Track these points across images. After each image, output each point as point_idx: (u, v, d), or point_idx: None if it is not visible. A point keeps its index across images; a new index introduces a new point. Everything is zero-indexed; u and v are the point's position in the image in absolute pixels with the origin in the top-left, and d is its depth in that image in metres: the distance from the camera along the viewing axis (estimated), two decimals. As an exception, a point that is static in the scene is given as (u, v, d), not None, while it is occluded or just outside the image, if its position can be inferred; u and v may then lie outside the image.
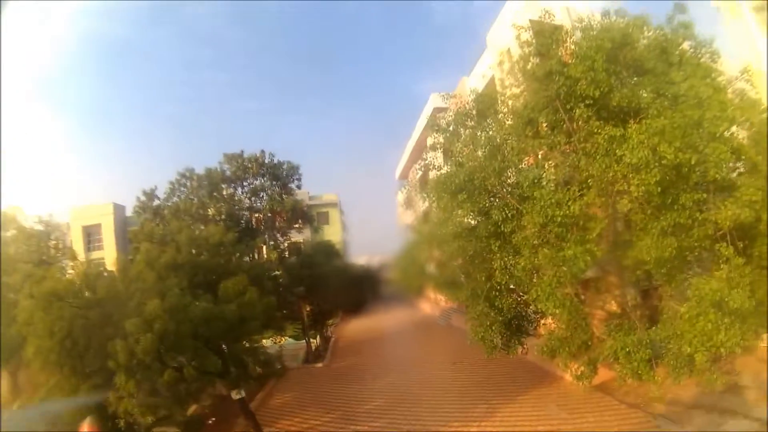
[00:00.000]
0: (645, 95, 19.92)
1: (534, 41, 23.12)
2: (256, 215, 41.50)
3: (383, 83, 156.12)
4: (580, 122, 20.09)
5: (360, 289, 58.76)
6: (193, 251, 27.38)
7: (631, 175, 17.72)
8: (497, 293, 22.37)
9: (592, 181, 19.47)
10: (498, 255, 21.44)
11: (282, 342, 43.20)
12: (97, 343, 19.77)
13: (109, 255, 47.89)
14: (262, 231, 41.67)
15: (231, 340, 23.31)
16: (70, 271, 26.36)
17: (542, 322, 24.56)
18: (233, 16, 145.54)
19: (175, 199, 39.46)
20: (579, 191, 19.53)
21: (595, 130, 19.13)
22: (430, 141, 26.15)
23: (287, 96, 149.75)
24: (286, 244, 45.78)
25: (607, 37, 20.51)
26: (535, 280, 20.12)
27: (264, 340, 38.27)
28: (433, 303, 62.80)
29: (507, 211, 20.71)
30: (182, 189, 39.42)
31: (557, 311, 18.95)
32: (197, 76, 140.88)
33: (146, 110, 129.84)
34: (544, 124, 21.58)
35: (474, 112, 24.75)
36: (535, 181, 20.61)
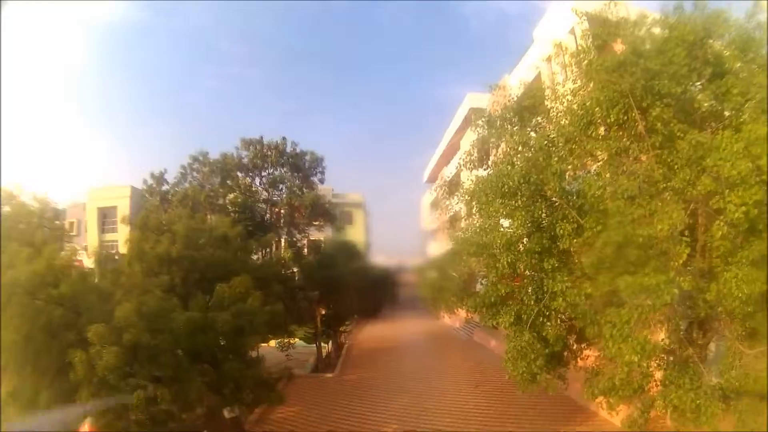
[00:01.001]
0: (733, 97, 15.91)
1: (598, 31, 19.08)
2: (274, 208, 36.96)
3: (414, 87, 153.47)
4: (658, 124, 15.96)
5: (378, 293, 55.26)
6: (193, 244, 23.03)
7: (727, 192, 14.00)
8: (546, 320, 18.22)
9: (670, 195, 15.35)
10: (554, 276, 17.39)
11: (293, 342, 39.36)
12: (58, 348, 15.70)
13: (121, 238, 44.58)
14: (278, 226, 37.19)
15: (224, 353, 18.96)
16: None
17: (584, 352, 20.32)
18: (268, 13, 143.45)
19: (186, 184, 35.04)
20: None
21: (678, 134, 15.50)
22: (469, 139, 21.90)
23: (316, 97, 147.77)
24: (304, 242, 41.41)
25: (686, 29, 16.56)
26: (605, 314, 15.73)
27: (272, 342, 34.44)
28: (453, 313, 58.33)
29: (568, 225, 16.78)
30: (194, 174, 34.95)
31: (635, 358, 14.36)
32: (227, 70, 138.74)
33: (172, 98, 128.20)
34: (612, 124, 17.25)
35: (524, 105, 21.19)
36: (604, 190, 16.39)
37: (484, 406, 27.35)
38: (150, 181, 35.31)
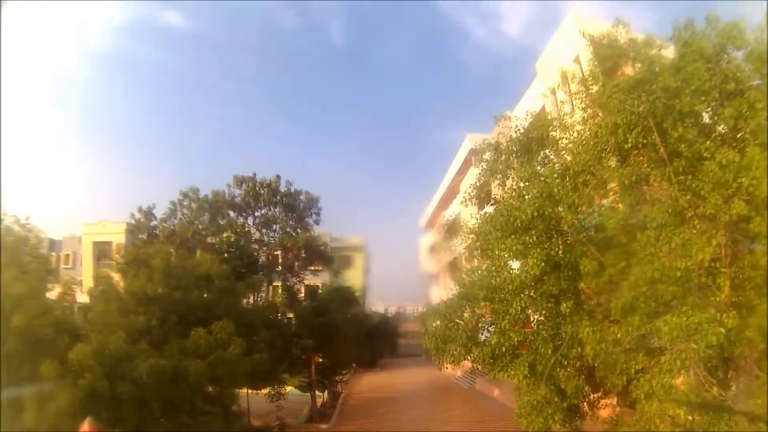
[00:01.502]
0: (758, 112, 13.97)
1: (607, 53, 17.94)
2: (266, 249, 34.68)
3: (413, 133, 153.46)
4: (681, 146, 14.30)
5: (376, 342, 52.82)
6: (173, 282, 20.77)
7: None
8: (563, 370, 16.18)
9: (700, 223, 13.42)
10: (572, 321, 15.41)
11: (287, 391, 36.58)
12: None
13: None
14: (272, 269, 34.86)
15: (202, 404, 16.69)
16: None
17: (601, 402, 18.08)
18: (271, 57, 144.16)
19: (174, 221, 32.86)
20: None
21: (705, 155, 13.74)
22: (469, 180, 19.99)
23: (316, 141, 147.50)
24: (300, 287, 39.05)
25: (702, 44, 15.07)
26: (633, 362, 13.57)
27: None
28: (458, 365, 55.77)
29: (590, 262, 14.79)
30: (184, 211, 32.81)
31: (680, 412, 12.05)
32: (230, 112, 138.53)
33: (174, 138, 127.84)
34: (630, 150, 15.46)
35: (531, 136, 19.39)
36: (624, 222, 14.83)
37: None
38: (138, 216, 33.04)
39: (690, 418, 12.25)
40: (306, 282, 40.18)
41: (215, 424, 17.45)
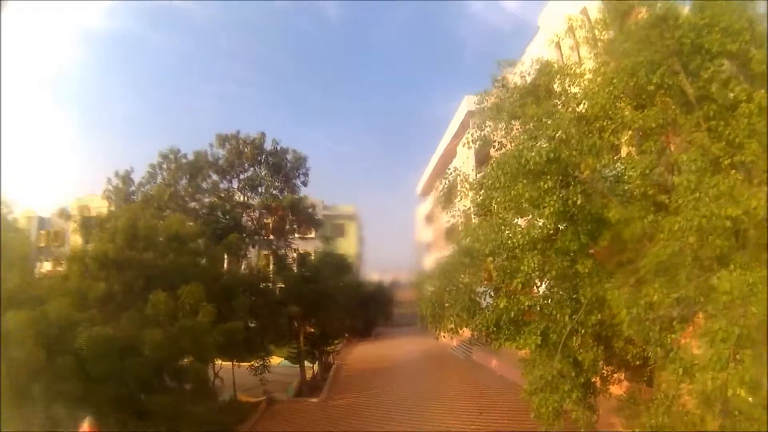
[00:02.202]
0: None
1: None
2: (249, 212, 31.96)
3: (410, 105, 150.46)
4: (712, 88, 12.31)
5: (370, 311, 50.58)
6: (139, 244, 18.22)
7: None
8: (579, 340, 13.77)
9: (738, 172, 11.54)
10: (593, 282, 13.20)
11: (277, 363, 35.19)
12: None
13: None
14: (255, 233, 32.24)
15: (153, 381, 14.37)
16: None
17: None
18: (265, 33, 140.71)
19: (154, 185, 30.07)
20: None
21: (741, 97, 11.79)
22: (472, 129, 17.46)
23: (310, 114, 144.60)
24: (290, 254, 36.46)
25: None
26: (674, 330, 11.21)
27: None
28: (456, 334, 53.73)
29: (616, 212, 12.48)
30: (164, 174, 29.97)
31: (741, 392, 9.65)
32: (223, 88, 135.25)
33: (167, 114, 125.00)
34: (654, 92, 13.28)
35: (539, 83, 16.78)
36: (651, 170, 12.56)
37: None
38: (115, 181, 30.23)
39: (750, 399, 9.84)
40: (296, 249, 37.39)
41: (180, 403, 15.15)
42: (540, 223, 13.19)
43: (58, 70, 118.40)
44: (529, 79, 17.30)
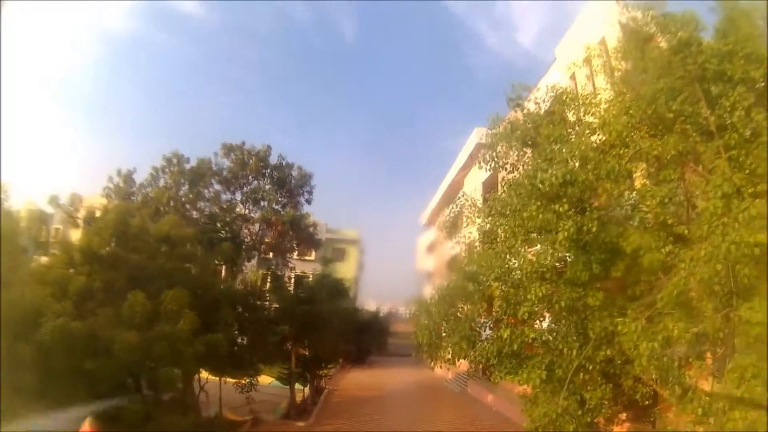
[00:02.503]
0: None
1: (641, 25, 14.78)
2: (249, 225, 30.93)
3: (419, 136, 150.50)
4: (734, 116, 11.65)
5: (365, 338, 49.54)
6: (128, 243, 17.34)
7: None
8: (586, 376, 12.85)
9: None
10: (602, 316, 12.36)
11: (268, 383, 34.57)
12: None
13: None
14: (253, 247, 31.23)
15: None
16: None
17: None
18: (275, 46, 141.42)
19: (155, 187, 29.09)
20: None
21: (763, 125, 11.36)
22: (473, 179, 16.61)
23: (318, 136, 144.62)
24: (287, 272, 35.44)
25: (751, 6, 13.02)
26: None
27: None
28: (454, 365, 52.47)
29: (634, 240, 11.68)
30: (166, 178, 29.00)
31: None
32: (232, 99, 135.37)
33: (178, 124, 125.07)
34: (674, 119, 12.63)
35: (553, 111, 15.88)
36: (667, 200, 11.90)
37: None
38: (116, 180, 29.27)
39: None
40: (294, 269, 36.37)
41: (153, 412, 14.15)
42: (550, 251, 12.21)
43: (62, 70, 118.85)
44: (543, 107, 16.45)
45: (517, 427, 27.91)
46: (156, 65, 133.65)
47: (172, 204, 27.03)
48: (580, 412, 12.41)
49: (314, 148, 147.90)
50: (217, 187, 30.80)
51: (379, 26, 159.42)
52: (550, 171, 12.12)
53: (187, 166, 29.13)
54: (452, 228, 20.16)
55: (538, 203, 12.21)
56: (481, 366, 38.25)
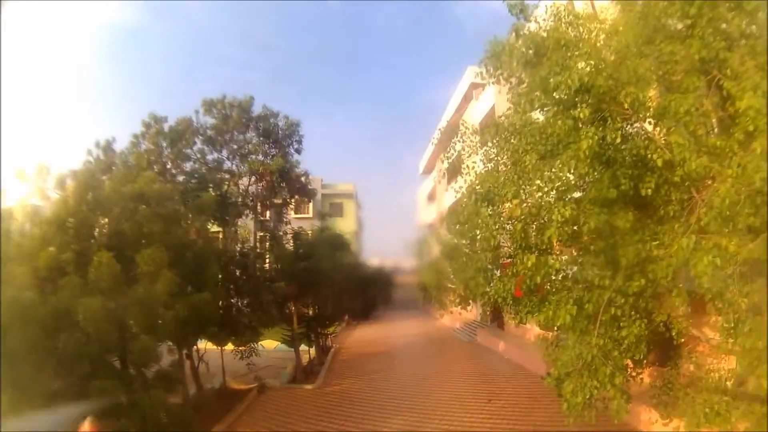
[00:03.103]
0: None
1: None
2: (236, 180, 28.75)
3: (408, 88, 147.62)
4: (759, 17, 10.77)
5: (369, 293, 48.15)
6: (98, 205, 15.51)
7: None
8: (621, 312, 10.99)
9: None
10: (633, 240, 10.74)
11: (274, 347, 33.74)
12: None
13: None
14: (244, 204, 29.30)
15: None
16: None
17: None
18: (264, 17, 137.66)
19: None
20: None
21: None
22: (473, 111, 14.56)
23: (311, 98, 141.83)
24: (282, 226, 33.64)
25: None
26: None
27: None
28: (452, 314, 51.17)
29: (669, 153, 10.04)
30: (147, 144, 26.72)
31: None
32: (224, 72, 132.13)
33: (169, 99, 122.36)
34: None
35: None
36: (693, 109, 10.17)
37: (502, 428, 19.82)
38: (96, 152, 27.05)
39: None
40: (290, 223, 34.45)
41: (129, 389, 12.52)
42: (573, 164, 10.29)
43: (56, 62, 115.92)
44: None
45: (529, 375, 26.98)
46: (153, 52, 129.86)
47: (156, 169, 24.96)
48: (616, 353, 10.75)
49: (303, 112, 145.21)
50: (202, 146, 28.60)
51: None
52: (565, 74, 10.27)
53: (166, 125, 26.87)
54: (455, 166, 18.30)
55: (555, 109, 10.40)
56: (490, 312, 36.83)
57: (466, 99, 45.03)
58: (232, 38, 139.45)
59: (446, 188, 44.73)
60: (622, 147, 10.61)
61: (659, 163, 9.86)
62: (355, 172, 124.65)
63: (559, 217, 10.05)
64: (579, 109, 9.98)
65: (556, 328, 12.25)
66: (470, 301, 13.75)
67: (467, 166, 15.98)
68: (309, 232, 35.59)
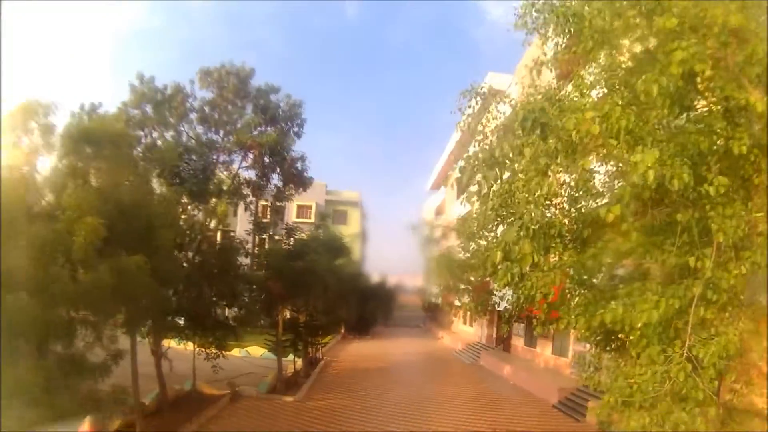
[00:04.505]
0: None
1: None
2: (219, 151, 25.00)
3: (422, 110, 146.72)
4: None
5: (369, 306, 45.06)
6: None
7: None
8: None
9: None
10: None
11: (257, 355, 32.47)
12: None
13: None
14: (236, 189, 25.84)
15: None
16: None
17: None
18: (278, 28, 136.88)
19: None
20: None
21: None
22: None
23: (322, 111, 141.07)
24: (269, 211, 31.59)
25: None
26: None
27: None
28: (453, 334, 51.82)
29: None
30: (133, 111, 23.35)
31: None
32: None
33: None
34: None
35: None
36: None
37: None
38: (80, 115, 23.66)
39: None
40: (284, 207, 31.44)
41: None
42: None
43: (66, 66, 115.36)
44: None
45: (540, 402, 23.85)
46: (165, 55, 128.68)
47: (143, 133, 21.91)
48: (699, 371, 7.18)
49: (316, 127, 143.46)
50: (193, 120, 25.13)
51: (380, 4, 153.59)
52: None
53: (152, 86, 23.45)
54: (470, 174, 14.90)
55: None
56: (496, 334, 33.62)
57: (485, 106, 42.11)
58: (247, 49, 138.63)
59: (457, 196, 41.80)
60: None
61: (758, 108, 6.61)
62: (362, 185, 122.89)
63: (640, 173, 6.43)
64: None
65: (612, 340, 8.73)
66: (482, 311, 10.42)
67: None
68: (301, 230, 32.22)
